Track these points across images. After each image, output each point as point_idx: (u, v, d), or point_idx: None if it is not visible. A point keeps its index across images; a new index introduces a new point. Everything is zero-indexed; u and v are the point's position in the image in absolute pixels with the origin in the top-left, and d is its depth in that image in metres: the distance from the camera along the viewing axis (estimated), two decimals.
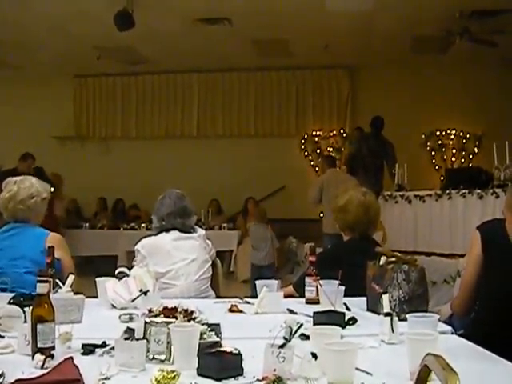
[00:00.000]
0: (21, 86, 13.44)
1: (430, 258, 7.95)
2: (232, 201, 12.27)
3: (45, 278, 2.32)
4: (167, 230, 4.30)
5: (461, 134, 12.67)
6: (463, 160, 12.73)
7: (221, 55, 12.08)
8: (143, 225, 10.95)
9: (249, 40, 11.21)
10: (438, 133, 12.74)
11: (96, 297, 3.52)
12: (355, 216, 4.10)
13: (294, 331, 2.10)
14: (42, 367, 2.14)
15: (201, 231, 4.47)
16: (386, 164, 10.63)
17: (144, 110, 13.99)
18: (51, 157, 12.78)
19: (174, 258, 4.17)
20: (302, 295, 3.58)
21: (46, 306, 2.27)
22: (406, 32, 10.48)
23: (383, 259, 3.20)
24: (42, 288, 2.30)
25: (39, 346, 2.22)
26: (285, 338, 2.07)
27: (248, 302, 3.49)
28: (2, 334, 2.57)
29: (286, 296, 3.67)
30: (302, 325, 2.17)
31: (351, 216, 4.10)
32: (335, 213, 4.21)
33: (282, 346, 2.04)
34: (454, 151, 12.77)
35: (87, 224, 11.67)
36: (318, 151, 13.21)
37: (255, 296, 3.47)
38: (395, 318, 2.60)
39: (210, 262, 4.40)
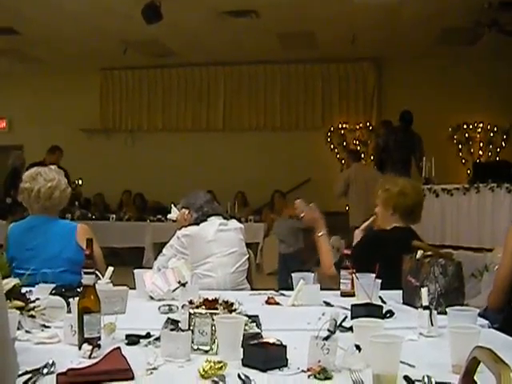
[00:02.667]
0: (48, 79, 13.59)
1: (458, 251, 7.90)
2: (258, 193, 12.28)
3: (91, 270, 2.36)
4: (209, 216, 4.39)
5: (488, 127, 12.57)
6: (490, 154, 12.62)
7: (247, 48, 12.09)
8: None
9: (275, 33, 11.21)
10: (465, 126, 12.65)
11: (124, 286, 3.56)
12: (414, 199, 4.08)
13: (338, 323, 2.13)
14: (89, 357, 2.18)
15: (239, 224, 4.53)
16: (413, 158, 10.58)
17: (170, 102, 14.06)
18: (78, 149, 12.92)
19: (213, 250, 4.23)
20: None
21: (92, 297, 2.31)
22: (434, 23, 10.41)
23: (420, 253, 3.21)
24: (88, 279, 2.33)
25: (86, 336, 2.26)
26: (329, 330, 2.10)
27: (283, 294, 3.52)
28: (48, 324, 2.61)
29: (328, 274, 3.69)
30: (346, 317, 2.19)
31: (410, 199, 4.06)
32: (393, 198, 4.05)
33: (326, 338, 2.06)
34: (481, 144, 12.67)
35: (113, 216, 11.73)
36: (344, 144, 13.19)
37: (284, 288, 3.50)
38: (434, 312, 2.62)
39: (247, 256, 4.46)
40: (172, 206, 4.62)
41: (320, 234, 4.08)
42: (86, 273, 2.33)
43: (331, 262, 3.96)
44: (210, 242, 4.27)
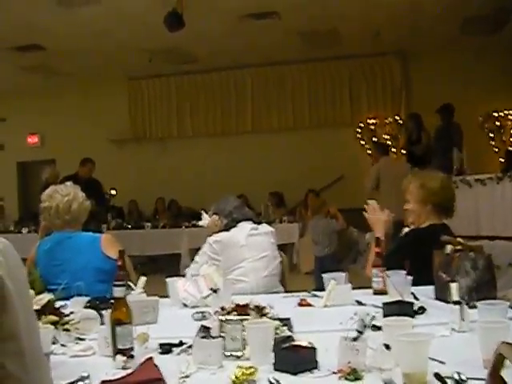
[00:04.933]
0: (77, 93, 13.77)
1: (494, 241, 7.86)
2: (292, 193, 12.27)
3: (121, 282, 2.40)
4: (238, 222, 4.40)
5: None
6: None
7: (270, 49, 12.11)
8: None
9: (297, 32, 11.22)
10: (495, 114, 12.51)
11: (162, 295, 3.60)
12: (451, 193, 4.07)
13: (367, 324, 2.14)
14: (123, 368, 2.22)
15: (270, 228, 4.55)
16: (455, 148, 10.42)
17: (198, 108, 14.14)
18: (110, 160, 13.06)
19: (245, 254, 4.26)
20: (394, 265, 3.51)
21: (123, 309, 2.34)
22: (456, 13, 10.32)
23: (449, 247, 3.20)
24: (119, 292, 2.37)
25: (119, 347, 2.30)
26: (358, 331, 2.11)
27: (316, 295, 3.53)
28: (82, 336, 2.66)
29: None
30: (374, 317, 2.20)
31: (449, 194, 4.05)
32: (433, 194, 4.01)
33: (355, 339, 2.07)
34: None
35: (149, 224, 11.81)
36: (375, 139, 13.14)
37: (320, 288, 3.50)
38: (465, 306, 2.60)
39: (280, 259, 4.47)
40: (203, 212, 4.66)
41: (377, 236, 4.00)
42: (116, 285, 2.37)
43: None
44: (242, 247, 4.30)
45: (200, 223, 4.67)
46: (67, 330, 2.62)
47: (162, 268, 10.50)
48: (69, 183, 4.28)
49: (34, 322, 1.59)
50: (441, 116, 10.84)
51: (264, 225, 4.62)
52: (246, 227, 4.40)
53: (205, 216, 4.60)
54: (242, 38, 11.19)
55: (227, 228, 4.41)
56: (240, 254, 4.27)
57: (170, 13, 9.02)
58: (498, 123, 12.54)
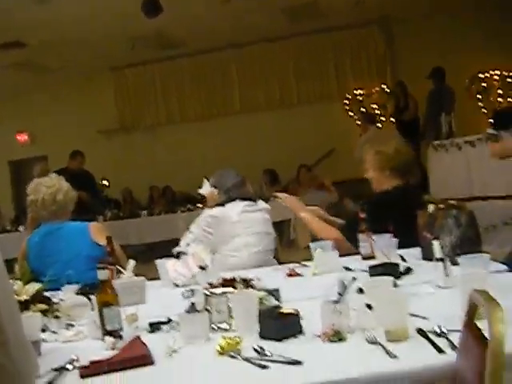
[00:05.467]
0: (62, 87, 13.68)
1: (487, 201, 7.89)
2: (285, 170, 12.28)
3: (104, 265, 2.43)
4: (234, 200, 4.43)
5: (505, 73, 12.40)
6: (510, 100, 12.47)
7: (253, 27, 12.02)
8: (199, 205, 11.04)
9: (279, 8, 11.14)
10: (480, 75, 12.49)
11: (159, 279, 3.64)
12: (409, 156, 4.15)
13: (346, 286, 2.16)
14: (112, 348, 2.26)
15: (265, 205, 4.58)
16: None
17: (185, 93, 14.08)
18: (101, 151, 13.06)
19: (237, 230, 4.30)
20: (350, 239, 3.64)
21: (109, 291, 2.38)
22: None
23: (432, 207, 3.23)
24: (103, 275, 2.40)
25: (108, 328, 2.34)
26: (339, 293, 2.14)
27: (305, 265, 3.56)
28: (73, 322, 2.69)
29: (331, 239, 3.75)
30: (354, 278, 2.23)
31: (406, 156, 4.13)
32: (389, 159, 4.12)
33: (337, 302, 2.10)
34: (499, 92, 12.51)
35: (145, 212, 11.82)
36: (363, 110, 13.12)
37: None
38: (448, 263, 2.64)
39: (274, 236, 4.50)
40: (205, 180, 4.67)
41: (303, 215, 4.28)
42: (99, 268, 2.40)
43: (330, 229, 4.08)
44: (235, 222, 4.33)
45: (200, 191, 4.68)
46: (57, 317, 2.65)
47: (162, 254, 10.51)
48: (53, 175, 4.31)
49: (16, 310, 1.61)
50: (432, 80, 10.85)
51: (260, 201, 4.64)
52: (240, 204, 4.43)
53: (206, 184, 4.62)
54: (223, 18, 11.11)
55: (223, 203, 4.44)
56: (232, 230, 4.31)
57: None
58: (484, 84, 12.52)
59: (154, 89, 14.23)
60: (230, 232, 4.31)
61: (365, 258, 3.52)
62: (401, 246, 3.32)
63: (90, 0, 9.39)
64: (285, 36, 13.08)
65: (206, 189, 4.60)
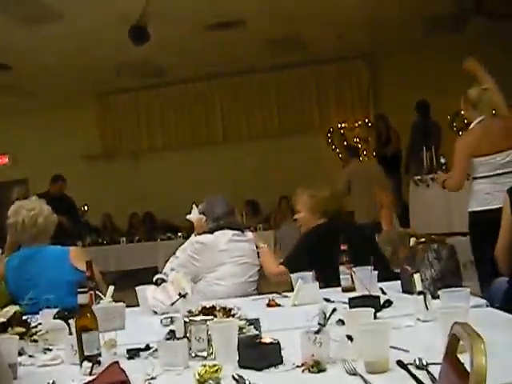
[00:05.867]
0: (46, 111, 13.61)
1: (466, 237, 7.90)
2: (266, 201, 12.29)
3: (85, 289, 2.41)
4: (222, 228, 4.41)
5: None
6: None
7: (237, 58, 12.10)
8: (180, 234, 11.02)
9: (263, 40, 11.24)
10: (462, 112, 12.57)
11: (139, 306, 3.62)
12: (342, 202, 4.50)
13: (327, 316, 2.16)
14: (90, 374, 2.23)
15: (252, 235, 4.56)
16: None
17: (168, 121, 14.11)
18: (82, 177, 13.00)
19: (224, 259, 4.28)
20: (294, 270, 3.72)
21: (88, 315, 2.36)
22: (418, 13, 10.37)
23: (413, 240, 3.25)
24: (83, 299, 2.39)
25: (86, 353, 2.32)
26: (319, 324, 2.13)
27: (285, 296, 3.56)
28: (50, 347, 2.66)
29: (277, 274, 4.02)
30: (335, 309, 2.22)
31: (340, 203, 4.49)
32: (323, 203, 4.47)
33: (317, 332, 2.10)
34: None
35: (124, 239, 11.78)
36: (345, 143, 13.18)
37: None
38: (428, 296, 2.65)
39: (259, 267, 4.48)
40: (194, 206, 4.65)
41: (262, 246, 4.51)
42: (79, 292, 2.38)
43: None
44: (222, 251, 4.30)
45: (188, 217, 4.65)
46: (35, 340, 2.62)
47: (140, 282, 10.44)
48: (34, 197, 4.29)
49: None
50: (417, 113, 10.96)
51: (247, 232, 4.62)
52: (228, 232, 4.41)
53: (195, 210, 4.60)
54: (208, 48, 11.17)
55: (211, 231, 4.43)
56: (219, 258, 4.28)
57: (133, 26, 8.98)
58: (465, 121, 12.58)
59: (137, 116, 14.25)
60: (216, 260, 4.29)
61: (345, 290, 3.53)
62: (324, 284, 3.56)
63: (77, 26, 9.43)
64: (268, 67, 13.16)
65: (194, 215, 4.58)
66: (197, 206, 4.62)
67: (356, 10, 9.97)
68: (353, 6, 9.74)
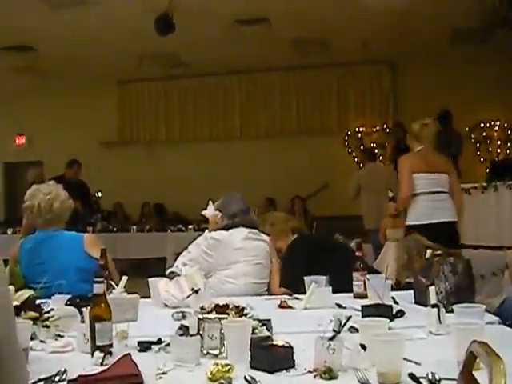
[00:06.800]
0: (66, 95, 13.68)
1: (477, 250, 7.88)
2: (280, 199, 12.25)
3: (101, 279, 2.41)
4: (238, 226, 4.38)
5: (505, 125, 12.50)
6: (508, 151, 12.55)
7: (260, 56, 12.11)
8: (190, 226, 11.02)
9: (288, 39, 11.24)
10: (482, 125, 12.57)
11: (148, 297, 3.61)
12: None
13: (343, 324, 2.15)
14: (101, 364, 2.23)
15: (267, 237, 4.52)
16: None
17: (187, 113, 14.15)
18: (97, 162, 13.04)
19: (238, 257, 4.23)
20: (295, 291, 3.74)
21: (103, 305, 2.36)
22: (445, 24, 10.37)
23: (429, 252, 3.24)
24: (98, 288, 2.38)
25: (98, 343, 2.31)
26: (334, 331, 2.12)
27: (297, 298, 3.55)
28: (61, 333, 2.67)
29: (279, 295, 3.97)
30: (350, 317, 2.22)
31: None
32: (284, 224, 4.77)
33: (331, 338, 2.09)
34: (498, 143, 12.60)
35: (134, 227, 11.78)
36: (362, 147, 13.16)
37: (305, 292, 3.53)
38: (442, 309, 2.64)
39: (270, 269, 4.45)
40: (210, 202, 4.62)
41: (273, 262, 4.51)
42: (95, 282, 2.38)
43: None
44: (237, 249, 4.26)
45: (203, 212, 4.63)
46: (47, 326, 2.63)
47: (150, 272, 10.46)
48: (51, 182, 4.29)
49: (11, 315, 1.60)
50: (440, 121, 10.91)
51: (263, 234, 4.57)
52: (244, 230, 4.37)
53: (211, 207, 4.57)
54: (232, 44, 11.19)
55: (226, 228, 4.41)
56: (233, 256, 4.23)
57: (160, 16, 9.02)
58: (484, 134, 12.61)
59: (157, 106, 14.28)
60: (230, 258, 4.24)
61: (357, 297, 3.52)
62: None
63: (103, 13, 9.46)
64: (291, 67, 13.16)
65: (209, 211, 4.55)
66: (213, 203, 4.60)
67: (382, 19, 9.95)
68: (380, 15, 9.71)
